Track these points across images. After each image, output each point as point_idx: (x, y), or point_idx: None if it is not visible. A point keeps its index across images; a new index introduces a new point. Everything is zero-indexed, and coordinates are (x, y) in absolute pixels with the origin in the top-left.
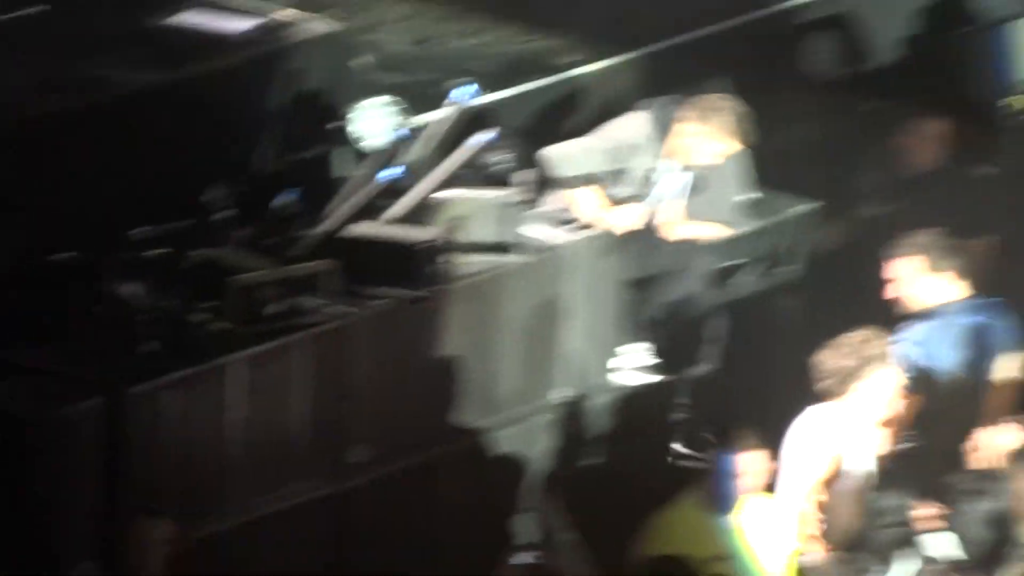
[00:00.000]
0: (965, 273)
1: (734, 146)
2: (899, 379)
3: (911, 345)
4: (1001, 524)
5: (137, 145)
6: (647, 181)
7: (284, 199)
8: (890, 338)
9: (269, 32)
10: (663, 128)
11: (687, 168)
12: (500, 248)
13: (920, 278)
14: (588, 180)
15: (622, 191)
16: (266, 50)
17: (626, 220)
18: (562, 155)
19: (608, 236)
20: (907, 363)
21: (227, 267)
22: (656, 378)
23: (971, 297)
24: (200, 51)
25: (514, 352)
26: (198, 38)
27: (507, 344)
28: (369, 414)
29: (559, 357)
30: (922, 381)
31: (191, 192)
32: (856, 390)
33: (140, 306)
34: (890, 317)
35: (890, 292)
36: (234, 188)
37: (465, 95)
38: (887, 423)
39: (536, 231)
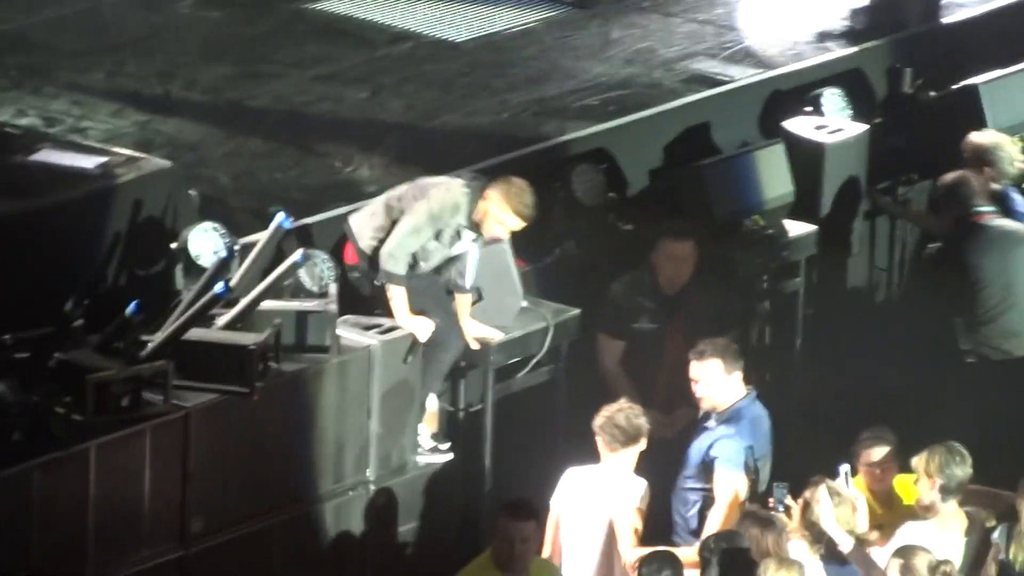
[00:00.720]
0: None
1: (519, 224)
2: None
3: (737, 440)
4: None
5: (3, 264)
6: (454, 241)
7: (131, 309)
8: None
9: (113, 168)
10: (473, 196)
11: (480, 237)
12: (318, 349)
13: (719, 380)
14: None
15: (435, 250)
16: (111, 183)
17: (421, 329)
18: (389, 250)
19: (410, 337)
20: (739, 455)
21: (83, 367)
22: (447, 458)
23: (750, 392)
24: (55, 184)
25: (330, 438)
26: (53, 173)
27: (324, 431)
28: (206, 491)
29: (369, 442)
30: (751, 468)
31: (51, 304)
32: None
33: (8, 401)
34: None
35: (696, 391)
36: (87, 300)
37: (281, 220)
38: None
39: (348, 333)
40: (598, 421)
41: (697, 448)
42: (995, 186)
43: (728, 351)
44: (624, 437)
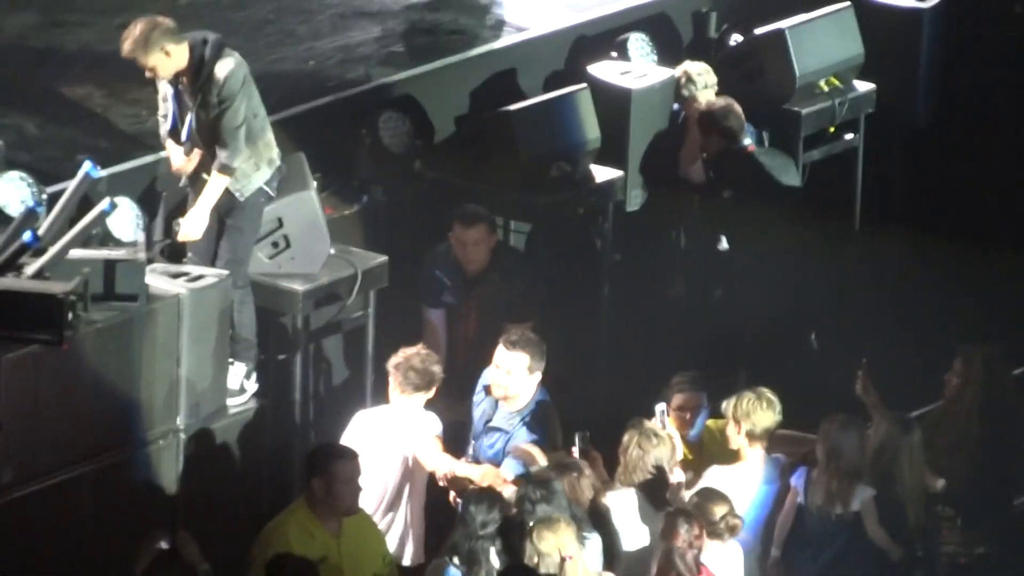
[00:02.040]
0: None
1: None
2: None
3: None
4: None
5: None
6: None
7: None
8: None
9: None
10: None
11: None
12: (127, 298)
13: (522, 375)
14: None
15: None
16: None
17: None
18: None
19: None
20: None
21: None
22: (255, 404)
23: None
24: None
25: (140, 386)
26: None
27: (134, 379)
28: (16, 441)
29: (179, 390)
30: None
31: None
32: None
33: None
34: None
35: (495, 377)
36: None
37: (89, 169)
38: None
39: (157, 282)
40: (393, 361)
41: (489, 445)
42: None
43: (538, 349)
44: (418, 380)
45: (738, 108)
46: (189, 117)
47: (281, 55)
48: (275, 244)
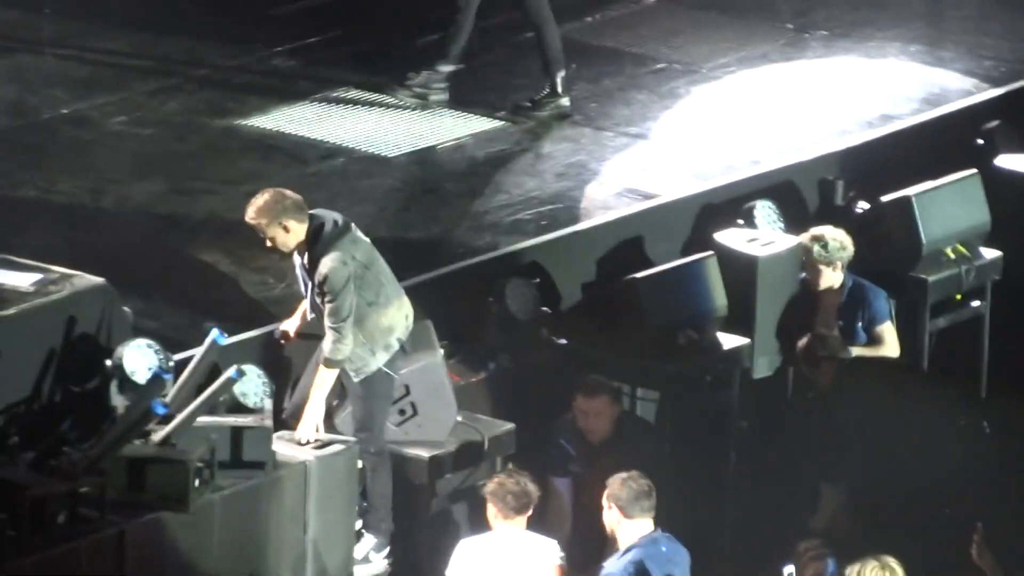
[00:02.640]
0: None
1: None
2: None
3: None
4: None
5: None
6: None
7: (66, 425)
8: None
9: (46, 285)
10: None
11: None
12: (254, 465)
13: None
14: None
15: None
16: (44, 300)
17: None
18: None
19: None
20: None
21: (18, 484)
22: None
23: (655, 532)
24: None
25: (267, 553)
26: None
27: (261, 547)
28: None
29: (306, 557)
30: None
31: None
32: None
33: None
34: None
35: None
36: (22, 416)
37: (215, 336)
38: None
39: (283, 448)
40: (489, 488)
41: None
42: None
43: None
44: (516, 503)
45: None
46: (308, 291)
47: (407, 222)
48: (402, 411)
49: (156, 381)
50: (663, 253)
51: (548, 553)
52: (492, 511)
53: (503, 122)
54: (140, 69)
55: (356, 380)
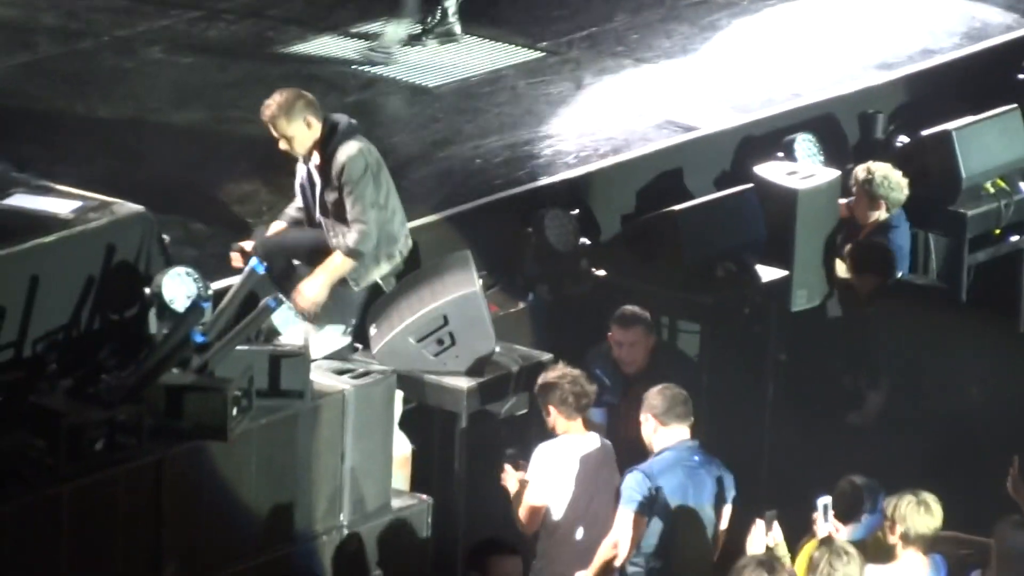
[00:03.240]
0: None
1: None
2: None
3: (642, 476)
4: None
5: None
6: None
7: (105, 352)
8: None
9: (85, 212)
10: None
11: None
12: (292, 394)
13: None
14: None
15: None
16: (84, 227)
17: None
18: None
19: (387, 379)
20: (639, 490)
21: (56, 411)
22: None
23: (691, 441)
24: (27, 228)
25: (304, 482)
26: (25, 217)
27: (298, 476)
28: (180, 536)
29: (343, 487)
30: (648, 506)
31: (24, 348)
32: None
33: None
34: None
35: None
36: (61, 344)
37: (254, 265)
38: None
39: (321, 378)
40: (549, 391)
41: None
42: (883, 214)
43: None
44: (578, 404)
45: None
46: (319, 196)
47: (448, 153)
48: (440, 341)
49: (195, 309)
50: (702, 185)
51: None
52: (555, 413)
53: (543, 53)
54: None
55: (356, 290)
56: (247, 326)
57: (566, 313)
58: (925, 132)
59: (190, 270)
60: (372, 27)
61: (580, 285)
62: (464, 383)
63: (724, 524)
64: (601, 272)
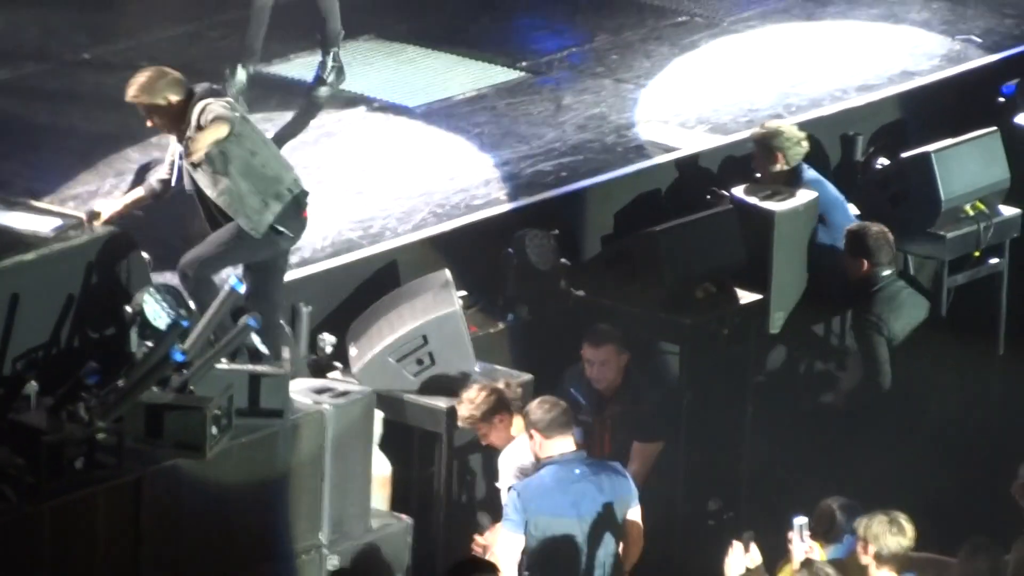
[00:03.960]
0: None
1: None
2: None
3: (516, 494)
4: None
5: None
6: None
7: (85, 370)
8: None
9: (66, 230)
10: None
11: None
12: (271, 412)
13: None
14: None
15: None
16: (64, 245)
17: None
18: None
19: (367, 399)
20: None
21: (36, 429)
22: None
23: (576, 452)
24: (7, 245)
25: (284, 501)
26: (5, 235)
27: (277, 494)
28: (159, 554)
29: (322, 506)
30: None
31: (4, 366)
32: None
33: None
34: None
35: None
36: (40, 361)
37: (234, 284)
38: None
39: (301, 396)
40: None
41: None
42: (784, 167)
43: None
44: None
45: (891, 238)
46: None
47: (429, 172)
48: (419, 361)
49: (174, 328)
50: (682, 206)
51: None
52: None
53: (523, 73)
54: (162, 14)
55: (256, 237)
56: (227, 344)
57: (546, 333)
58: (905, 154)
59: (170, 288)
60: (353, 42)
61: (560, 305)
62: (444, 403)
63: (634, 528)
64: (581, 292)
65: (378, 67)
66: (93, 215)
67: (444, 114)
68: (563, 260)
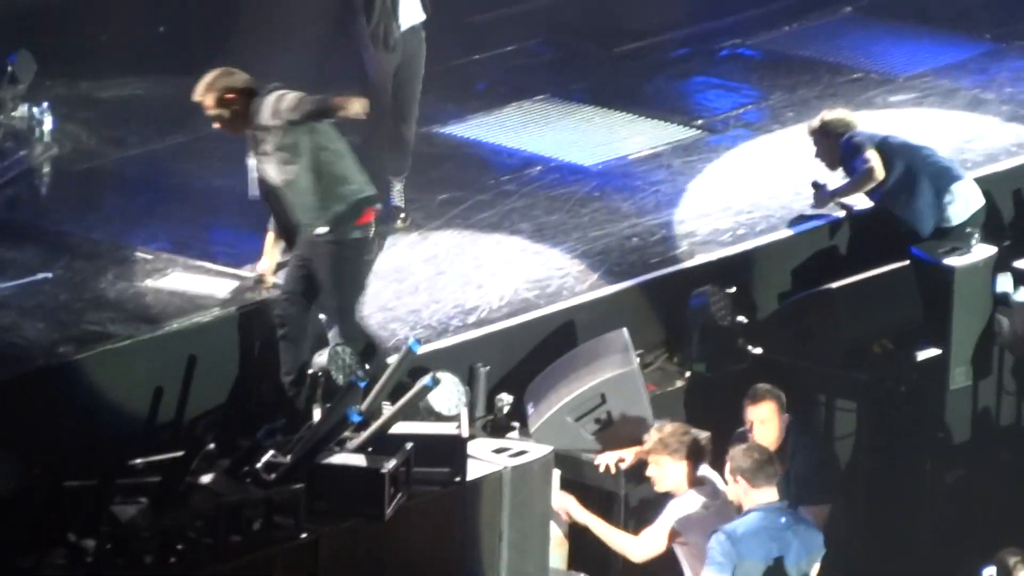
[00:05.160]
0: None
1: None
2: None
3: (725, 537)
4: None
5: (137, 389)
6: None
7: (262, 432)
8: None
9: (242, 292)
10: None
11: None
12: (449, 473)
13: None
14: None
15: None
16: (241, 307)
17: None
18: None
19: (545, 458)
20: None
21: (215, 491)
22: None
23: (779, 502)
24: (185, 308)
25: (464, 561)
26: (183, 297)
27: (456, 555)
28: None
29: (502, 564)
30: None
31: (183, 428)
32: None
33: (140, 525)
34: None
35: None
36: (218, 424)
37: (411, 344)
38: None
39: (479, 457)
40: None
41: None
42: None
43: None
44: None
45: None
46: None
47: (606, 231)
48: (598, 420)
49: (351, 388)
50: (857, 263)
51: None
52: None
53: (699, 131)
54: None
55: (314, 232)
56: (404, 405)
57: (724, 391)
58: None
59: (347, 348)
60: (530, 102)
61: (738, 363)
62: None
63: None
64: (758, 350)
65: (554, 127)
66: (261, 279)
67: (620, 173)
68: (740, 318)
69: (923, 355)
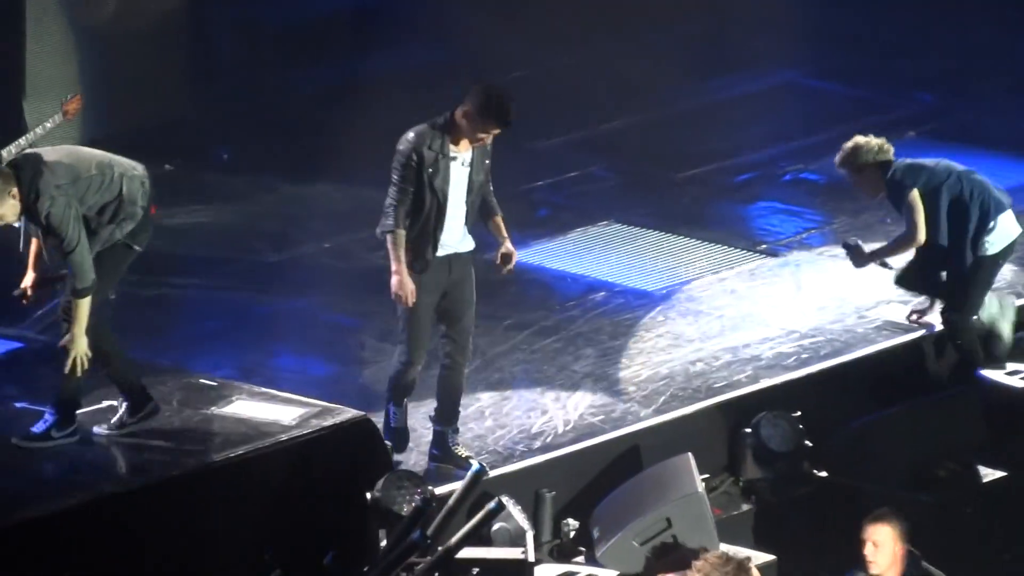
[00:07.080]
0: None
1: None
2: None
3: None
4: None
5: (202, 516)
6: None
7: (327, 559)
8: None
9: (307, 419)
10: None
11: None
12: None
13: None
14: None
15: None
16: (306, 434)
17: None
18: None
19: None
20: None
21: None
22: None
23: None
24: (251, 436)
25: None
26: (249, 425)
27: None
28: None
29: None
30: None
31: (250, 554)
32: None
33: None
34: None
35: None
36: (285, 551)
37: (477, 469)
38: None
39: None
40: None
41: None
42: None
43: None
44: None
45: None
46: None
47: (670, 356)
48: (664, 545)
49: (418, 512)
50: (921, 386)
51: None
52: None
53: (762, 256)
54: None
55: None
56: (472, 529)
57: (789, 515)
58: None
59: (412, 473)
60: (593, 227)
61: (803, 487)
62: None
63: None
64: (824, 473)
65: (618, 252)
66: (23, 294)
67: (684, 298)
68: (805, 441)
69: (988, 477)
